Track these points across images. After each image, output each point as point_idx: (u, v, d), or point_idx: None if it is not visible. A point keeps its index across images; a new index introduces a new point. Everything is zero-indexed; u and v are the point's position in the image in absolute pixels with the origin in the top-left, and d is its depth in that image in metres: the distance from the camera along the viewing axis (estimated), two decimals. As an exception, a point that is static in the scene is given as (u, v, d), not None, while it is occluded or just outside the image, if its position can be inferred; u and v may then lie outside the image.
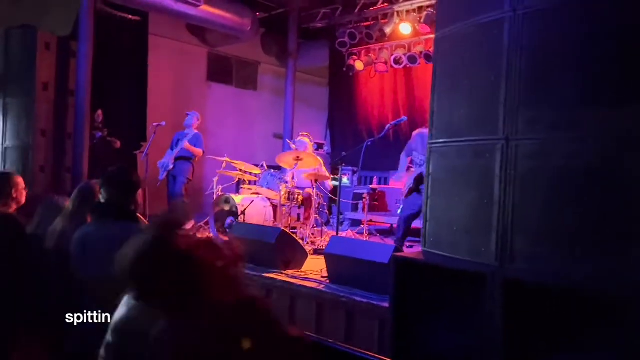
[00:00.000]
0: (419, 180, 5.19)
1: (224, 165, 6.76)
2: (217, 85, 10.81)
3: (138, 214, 5.34)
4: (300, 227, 6.26)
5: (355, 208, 8.43)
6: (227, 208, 6.19)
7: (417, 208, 5.28)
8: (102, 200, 2.43)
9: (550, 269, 2.41)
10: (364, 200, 6.63)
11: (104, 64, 7.42)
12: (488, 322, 2.53)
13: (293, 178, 6.21)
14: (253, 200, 5.99)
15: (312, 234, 6.00)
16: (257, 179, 6.87)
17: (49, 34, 6.99)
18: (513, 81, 2.54)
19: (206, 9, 8.50)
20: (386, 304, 3.23)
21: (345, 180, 8.96)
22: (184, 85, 10.19)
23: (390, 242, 5.62)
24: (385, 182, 9.12)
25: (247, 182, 6.95)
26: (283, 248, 4.56)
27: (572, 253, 2.35)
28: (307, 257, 4.77)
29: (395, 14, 8.60)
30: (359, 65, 9.44)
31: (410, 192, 5.29)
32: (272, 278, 4.32)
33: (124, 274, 1.40)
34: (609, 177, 2.29)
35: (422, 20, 8.06)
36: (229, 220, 5.95)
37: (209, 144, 7.38)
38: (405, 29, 8.48)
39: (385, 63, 9.11)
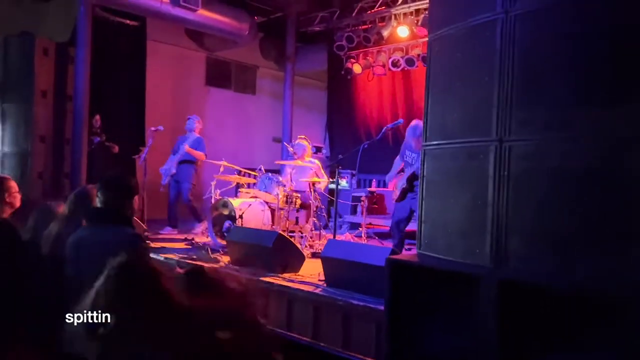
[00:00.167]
0: (411, 179, 5.19)
1: (221, 169, 6.76)
2: (215, 90, 10.83)
3: (136, 219, 5.34)
4: (299, 231, 6.25)
5: (354, 211, 8.42)
6: (225, 212, 6.18)
7: (407, 212, 5.28)
8: (98, 205, 2.43)
9: (545, 270, 2.40)
10: (362, 203, 6.63)
11: (102, 69, 7.46)
12: (483, 324, 2.52)
13: (291, 181, 6.21)
14: (251, 204, 5.98)
15: (311, 237, 5.99)
16: (256, 181, 6.87)
17: (47, 40, 7.03)
18: (506, 82, 2.54)
19: (204, 14, 8.53)
20: (383, 307, 3.22)
21: (344, 183, 8.97)
22: (182, 89, 10.21)
23: (388, 244, 5.61)
24: (384, 185, 9.11)
25: (245, 185, 6.95)
26: (280, 252, 4.56)
27: (566, 254, 2.34)
28: (304, 261, 4.76)
29: (393, 17, 8.62)
30: (357, 68, 9.46)
31: (404, 193, 5.27)
32: (269, 282, 4.31)
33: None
34: (602, 178, 2.28)
35: (419, 23, 8.08)
36: (227, 224, 5.95)
37: (207, 148, 7.38)
38: (402, 32, 8.50)
39: (383, 66, 9.12)
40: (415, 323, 2.90)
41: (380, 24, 8.83)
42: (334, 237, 5.61)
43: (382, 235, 6.91)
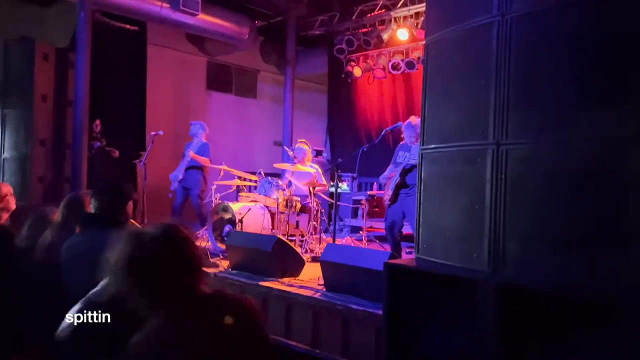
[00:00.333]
0: (404, 173, 5.18)
1: (221, 173, 6.75)
2: (216, 94, 10.84)
3: (136, 223, 5.34)
4: (299, 235, 6.24)
5: (355, 214, 8.41)
6: (226, 216, 6.18)
7: (400, 215, 5.26)
8: (92, 211, 2.42)
9: (543, 274, 2.38)
10: (362, 206, 6.61)
11: (103, 74, 7.47)
12: (482, 328, 2.50)
13: (290, 185, 6.20)
14: (250, 209, 5.97)
15: (311, 242, 5.97)
16: (256, 185, 6.86)
17: (47, 45, 7.04)
18: (502, 85, 2.53)
19: (204, 18, 8.55)
20: (381, 312, 3.20)
21: (344, 186, 8.95)
22: (183, 94, 10.22)
23: (389, 248, 5.59)
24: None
25: (245, 189, 6.94)
26: (279, 256, 4.54)
27: (564, 257, 2.32)
28: (304, 265, 4.75)
29: (393, 20, 8.63)
30: (357, 71, 9.46)
31: (397, 189, 5.25)
32: (268, 286, 4.29)
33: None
34: (600, 180, 2.26)
35: (419, 26, 8.08)
36: (226, 228, 5.94)
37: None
38: (402, 35, 8.50)
39: (383, 69, 9.12)
40: (413, 327, 2.88)
41: (380, 27, 8.84)
42: (334, 240, 5.59)
43: (382, 239, 6.88)
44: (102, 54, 7.35)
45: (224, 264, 5.11)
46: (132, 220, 3.56)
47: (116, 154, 7.24)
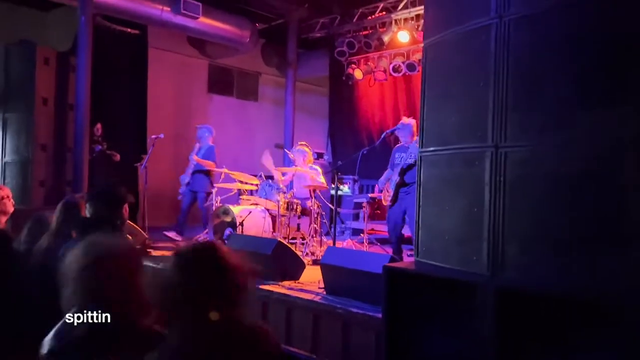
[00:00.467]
0: (403, 172, 5.17)
1: (222, 176, 6.76)
2: (218, 97, 10.85)
3: (137, 227, 5.33)
4: (300, 237, 6.22)
5: (356, 217, 8.39)
6: (227, 219, 6.17)
7: (401, 214, 5.25)
8: (87, 215, 2.42)
9: (542, 277, 2.37)
10: (363, 209, 6.60)
11: (104, 77, 7.49)
12: (481, 332, 2.49)
13: (290, 187, 6.19)
14: (251, 212, 5.96)
15: (312, 244, 5.96)
16: (257, 188, 6.86)
17: (48, 49, 7.06)
18: (501, 88, 2.52)
19: (205, 21, 8.56)
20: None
21: (346, 189, 8.95)
22: (185, 97, 10.23)
23: (390, 251, 5.58)
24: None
25: (246, 192, 6.94)
26: (280, 259, 4.53)
27: (563, 260, 2.31)
28: (304, 268, 4.73)
29: (393, 22, 8.62)
30: (358, 74, 9.46)
31: (397, 189, 5.24)
32: (268, 290, 4.28)
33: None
34: (599, 181, 2.25)
35: (420, 28, 8.06)
36: (227, 231, 5.93)
37: (210, 155, 7.39)
38: (403, 37, 8.49)
39: (384, 71, 9.11)
40: (413, 331, 2.86)
41: (380, 30, 8.83)
42: (334, 243, 5.58)
43: (384, 241, 6.87)
44: (103, 58, 7.37)
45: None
46: (129, 221, 3.57)
47: (117, 157, 7.26)
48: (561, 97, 2.38)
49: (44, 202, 6.65)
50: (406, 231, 5.75)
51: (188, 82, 10.31)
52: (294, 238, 6.19)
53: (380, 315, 3.31)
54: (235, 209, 6.01)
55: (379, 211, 8.28)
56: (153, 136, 6.93)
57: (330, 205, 6.53)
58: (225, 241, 5.66)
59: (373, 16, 8.99)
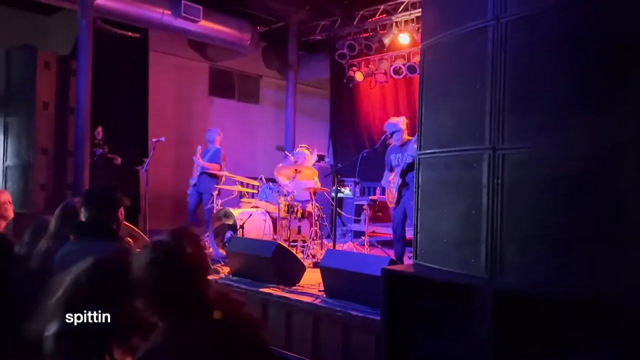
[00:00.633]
0: (404, 173, 5.16)
1: (222, 179, 6.76)
2: (219, 100, 10.87)
3: (137, 230, 5.33)
4: (301, 240, 6.22)
5: (358, 219, 8.38)
6: (229, 222, 6.16)
7: (402, 214, 5.24)
8: (83, 219, 2.41)
9: (540, 279, 2.36)
10: (364, 211, 6.59)
11: (105, 81, 7.50)
12: (480, 334, 2.47)
13: (292, 190, 6.18)
14: (251, 214, 5.96)
15: (313, 247, 5.95)
16: (257, 191, 6.86)
17: (49, 53, 7.08)
18: (498, 89, 2.51)
19: (206, 25, 8.57)
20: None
21: (347, 191, 8.94)
22: (186, 100, 10.25)
23: (391, 253, 5.56)
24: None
25: (247, 195, 6.94)
26: (280, 262, 4.52)
27: (561, 262, 2.30)
28: (304, 271, 4.72)
29: (394, 24, 8.62)
30: (358, 76, 9.46)
31: (399, 191, 5.23)
32: (268, 293, 4.28)
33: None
34: (597, 183, 2.25)
35: (420, 30, 8.04)
36: (228, 234, 5.93)
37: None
38: (403, 39, 8.50)
39: (385, 73, 9.12)
40: (412, 333, 2.85)
41: (381, 32, 8.84)
42: (334, 246, 5.57)
43: (385, 244, 6.86)
44: (104, 61, 7.39)
45: (225, 270, 5.10)
46: (129, 224, 3.57)
47: (118, 160, 7.26)
48: (559, 98, 2.37)
49: (44, 206, 6.65)
50: (409, 233, 5.73)
51: (189, 85, 10.33)
52: (294, 241, 6.18)
53: (379, 318, 3.31)
54: (235, 212, 6.01)
55: (380, 213, 8.27)
56: (154, 139, 6.93)
57: (333, 205, 6.52)
58: (226, 244, 5.65)
59: (373, 18, 8.99)
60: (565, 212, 2.31)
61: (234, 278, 4.80)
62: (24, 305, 2.64)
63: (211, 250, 6.13)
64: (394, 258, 4.41)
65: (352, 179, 8.73)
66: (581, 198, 2.27)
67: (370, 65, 9.36)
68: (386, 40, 8.65)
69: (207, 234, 6.59)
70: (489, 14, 2.56)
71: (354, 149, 9.62)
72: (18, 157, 6.81)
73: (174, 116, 9.86)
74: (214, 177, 7.20)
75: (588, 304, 2.25)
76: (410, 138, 5.30)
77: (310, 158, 6.73)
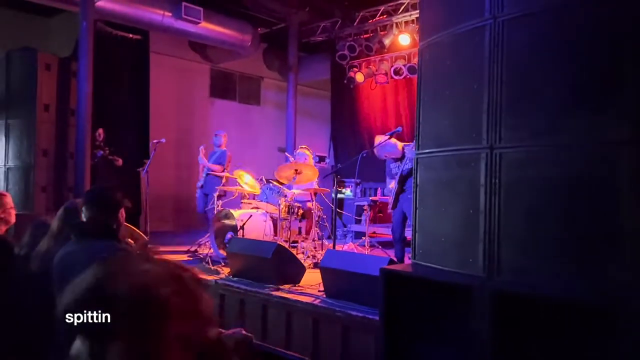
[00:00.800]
0: (401, 180, 5.17)
1: (223, 180, 6.76)
2: (220, 101, 10.88)
3: (138, 231, 5.33)
4: (302, 241, 6.22)
5: (359, 220, 8.37)
6: (231, 223, 6.16)
7: (401, 216, 5.25)
8: (83, 219, 2.42)
9: (538, 280, 2.36)
10: (365, 212, 6.59)
11: (105, 83, 7.52)
12: (477, 334, 2.48)
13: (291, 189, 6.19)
14: (251, 215, 5.96)
15: (314, 248, 5.95)
16: (258, 192, 6.86)
17: (49, 55, 7.10)
18: (495, 89, 2.51)
19: (206, 26, 8.59)
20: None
21: (348, 192, 8.94)
22: (187, 101, 10.26)
23: (391, 254, 5.56)
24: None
25: (247, 196, 6.94)
26: (279, 263, 4.52)
27: (560, 261, 2.30)
28: (304, 272, 4.72)
29: (394, 25, 8.63)
30: (359, 77, 9.47)
31: (397, 196, 5.24)
32: (268, 293, 4.28)
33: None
34: (597, 182, 2.25)
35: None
36: (228, 235, 5.92)
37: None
38: (404, 40, 8.50)
39: (386, 74, 9.12)
40: (410, 332, 2.85)
41: (381, 33, 8.84)
42: (334, 247, 5.57)
43: (385, 244, 6.86)
44: (105, 63, 7.41)
45: (225, 270, 5.10)
46: (130, 225, 3.57)
47: (119, 162, 7.27)
48: (556, 98, 2.37)
49: (45, 208, 6.68)
50: (408, 234, 5.74)
51: (190, 87, 10.34)
52: (295, 241, 6.18)
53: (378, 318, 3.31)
54: (236, 213, 6.01)
55: (381, 214, 8.27)
56: (155, 141, 6.94)
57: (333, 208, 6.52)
58: (227, 245, 5.65)
59: (374, 19, 9.00)
60: (562, 212, 2.31)
61: (234, 279, 4.80)
62: (24, 306, 2.66)
63: (212, 250, 6.14)
64: (394, 259, 4.41)
65: (353, 180, 8.74)
66: (578, 198, 2.27)
67: (370, 66, 9.37)
68: (386, 41, 8.66)
69: (208, 235, 6.60)
70: (486, 13, 2.56)
71: (354, 150, 9.61)
72: (19, 158, 6.84)
73: (174, 118, 9.87)
74: (220, 178, 7.24)
75: (584, 304, 2.25)
76: (407, 143, 5.32)
77: (310, 159, 6.73)
